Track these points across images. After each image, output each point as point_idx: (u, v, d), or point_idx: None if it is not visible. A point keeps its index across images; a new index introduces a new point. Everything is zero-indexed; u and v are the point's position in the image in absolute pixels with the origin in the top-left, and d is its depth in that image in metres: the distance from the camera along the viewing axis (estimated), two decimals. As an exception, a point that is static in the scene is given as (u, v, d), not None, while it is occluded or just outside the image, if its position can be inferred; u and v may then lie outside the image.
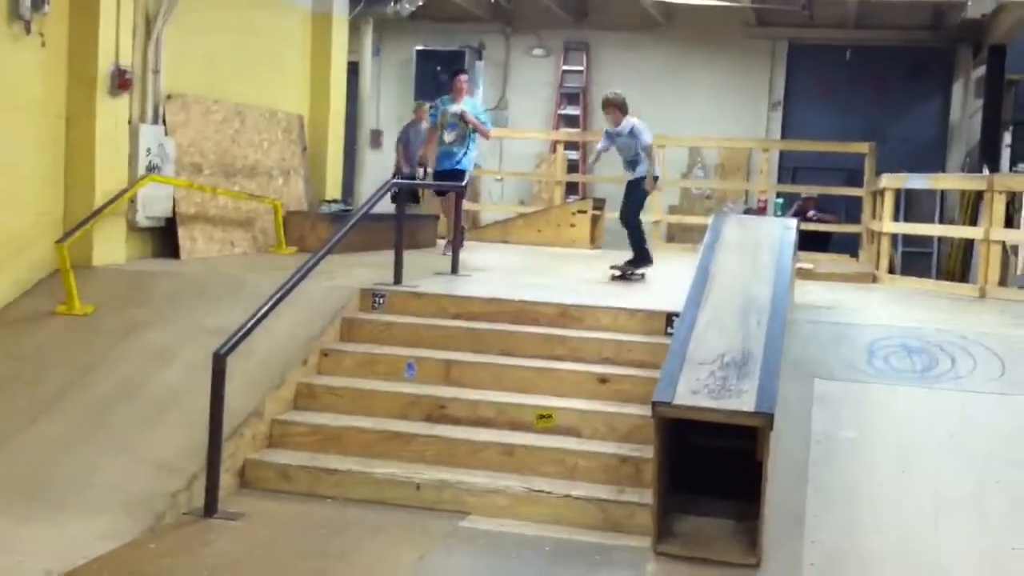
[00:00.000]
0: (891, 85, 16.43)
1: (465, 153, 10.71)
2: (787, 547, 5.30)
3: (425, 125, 12.96)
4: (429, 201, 12.73)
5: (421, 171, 11.48)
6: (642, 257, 9.37)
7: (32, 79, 8.03)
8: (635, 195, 9.43)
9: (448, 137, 10.67)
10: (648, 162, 9.25)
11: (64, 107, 8.37)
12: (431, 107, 11.27)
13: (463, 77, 10.84)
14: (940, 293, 9.75)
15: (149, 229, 9.34)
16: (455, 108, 10.64)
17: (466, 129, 10.62)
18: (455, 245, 9.29)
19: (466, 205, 12.06)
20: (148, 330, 7.36)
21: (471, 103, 10.95)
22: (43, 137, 8.19)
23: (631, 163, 9.39)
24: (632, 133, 9.29)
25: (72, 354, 7.13)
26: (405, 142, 13.61)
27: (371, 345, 7.26)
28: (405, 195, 11.79)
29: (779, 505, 5.45)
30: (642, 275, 9.25)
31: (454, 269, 9.04)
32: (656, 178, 9.36)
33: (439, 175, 10.77)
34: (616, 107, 9.38)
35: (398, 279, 8.05)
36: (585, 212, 13.31)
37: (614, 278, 9.16)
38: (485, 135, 10.91)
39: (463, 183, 10.56)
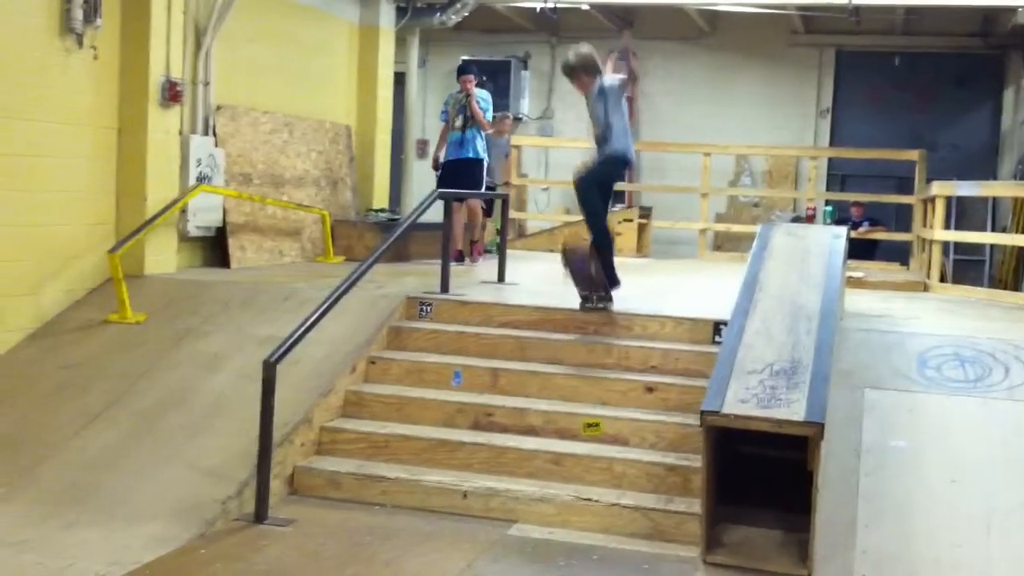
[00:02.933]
0: (940, 92, 16.26)
1: (475, 139, 10.54)
2: (838, 557, 5.24)
3: (507, 138, 12.89)
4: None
5: (436, 173, 11.14)
6: (604, 244, 7.36)
7: (84, 91, 8.16)
8: (599, 171, 7.35)
9: (458, 122, 10.54)
10: (613, 137, 7.16)
11: (116, 119, 8.49)
12: (442, 110, 11.03)
13: (468, 77, 10.62)
14: (992, 302, 9.62)
15: (200, 239, 9.46)
16: (461, 95, 10.57)
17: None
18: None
19: (512, 214, 11.96)
20: (198, 338, 7.45)
21: (479, 93, 10.68)
22: (95, 148, 8.31)
23: (602, 138, 7.28)
24: (601, 93, 7.21)
25: (123, 362, 7.23)
26: None
27: (418, 353, 7.29)
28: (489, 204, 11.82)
29: (829, 515, 5.39)
30: (606, 304, 7.41)
31: (500, 278, 9.05)
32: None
33: (451, 164, 10.57)
34: (582, 70, 7.27)
35: (445, 288, 8.06)
36: (631, 220, 13.30)
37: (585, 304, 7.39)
38: (483, 124, 10.60)
39: (483, 175, 10.49)
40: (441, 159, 10.81)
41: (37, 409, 6.79)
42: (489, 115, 10.68)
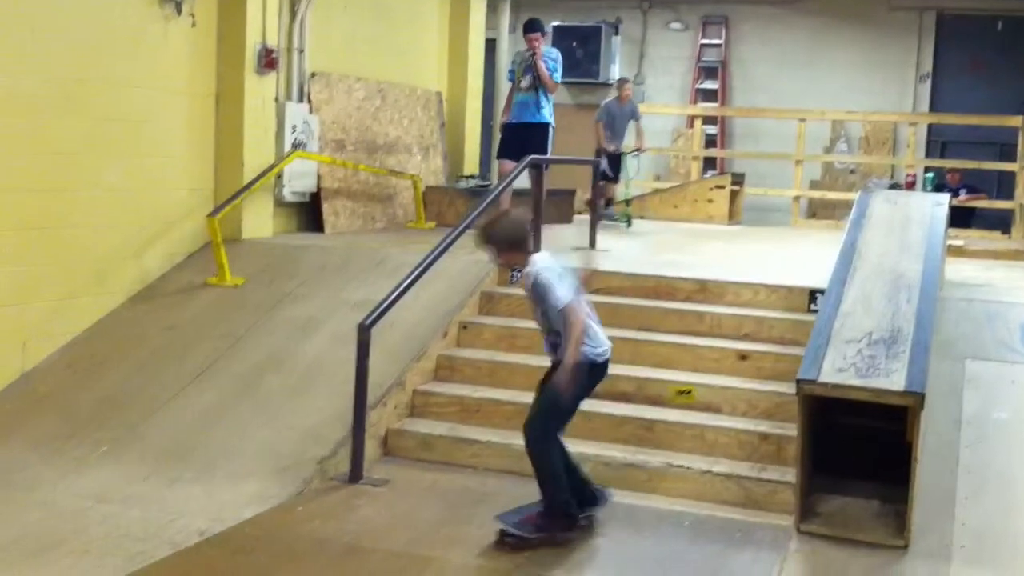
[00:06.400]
0: (1044, 57, 15.73)
1: (541, 102, 9.81)
2: (936, 529, 5.15)
3: (632, 104, 12.33)
4: (560, 174, 12.48)
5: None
6: (554, 511, 5.14)
7: (183, 59, 8.31)
8: (560, 403, 5.11)
9: (524, 82, 9.81)
10: (570, 340, 4.94)
11: (213, 86, 8.63)
12: (509, 68, 10.35)
13: (536, 34, 9.81)
14: (1100, 272, 9.31)
15: (294, 204, 9.59)
16: (528, 53, 9.80)
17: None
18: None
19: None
20: (294, 302, 7.57)
21: (548, 52, 9.95)
22: (194, 115, 8.47)
23: (558, 344, 5.10)
24: (537, 288, 5.08)
25: (223, 324, 7.38)
26: (607, 120, 12.19)
27: (509, 319, 7.31)
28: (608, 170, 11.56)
29: (928, 487, 5.29)
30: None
31: (592, 244, 9.02)
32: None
33: (514, 128, 9.84)
34: (506, 245, 5.19)
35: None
36: (723, 187, 13.16)
37: (505, 537, 5.10)
38: (548, 85, 9.73)
39: (548, 141, 9.76)
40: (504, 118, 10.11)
41: (140, 369, 6.98)
42: (558, 76, 9.92)
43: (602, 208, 10.91)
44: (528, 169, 8.34)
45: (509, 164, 9.40)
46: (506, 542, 5.07)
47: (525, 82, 9.82)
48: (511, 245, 5.17)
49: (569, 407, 5.18)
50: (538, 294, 5.08)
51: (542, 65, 9.70)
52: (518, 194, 9.53)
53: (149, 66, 7.96)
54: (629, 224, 11.49)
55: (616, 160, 11.90)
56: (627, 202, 11.93)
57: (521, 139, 9.59)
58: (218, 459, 6.00)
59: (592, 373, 5.12)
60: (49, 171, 7.16)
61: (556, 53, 10.10)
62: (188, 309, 7.67)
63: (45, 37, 7.08)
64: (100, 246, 7.60)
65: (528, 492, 5.69)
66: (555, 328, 5.10)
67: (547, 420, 5.18)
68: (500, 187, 8.07)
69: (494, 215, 5.63)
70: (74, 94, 7.32)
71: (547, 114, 9.86)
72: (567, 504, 5.16)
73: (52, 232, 7.22)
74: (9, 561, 4.81)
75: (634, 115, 12.24)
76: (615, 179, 11.98)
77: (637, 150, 12.16)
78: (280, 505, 5.52)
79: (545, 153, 9.65)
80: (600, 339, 5.16)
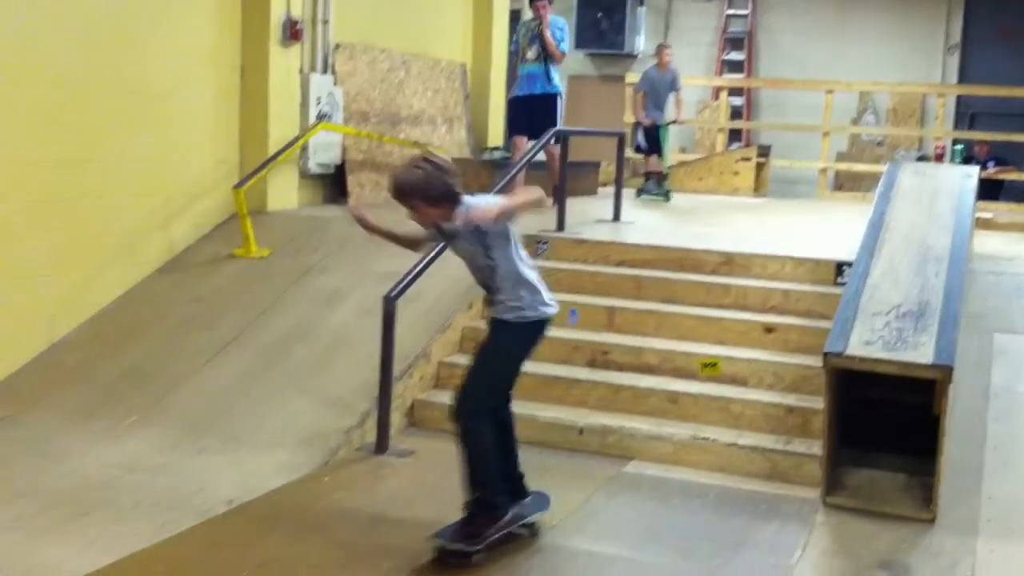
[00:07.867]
0: (1077, 26, 15.53)
1: (549, 72, 9.56)
2: (963, 502, 5.12)
3: (672, 72, 11.89)
4: (585, 145, 12.35)
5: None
6: (481, 504, 4.59)
7: (208, 31, 8.30)
8: (492, 369, 4.67)
9: (530, 53, 9.59)
10: (525, 295, 4.54)
11: (238, 58, 8.62)
12: (512, 39, 10.10)
13: (542, 3, 9.48)
14: None
15: (319, 176, 9.60)
16: (534, 23, 9.60)
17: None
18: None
19: (628, 153, 11.64)
20: (320, 273, 7.59)
21: (555, 20, 9.72)
22: (219, 88, 8.47)
23: (494, 291, 4.62)
24: (478, 240, 4.47)
25: (249, 296, 7.40)
26: (648, 90, 11.84)
27: (535, 291, 7.28)
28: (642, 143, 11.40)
29: (955, 460, 5.26)
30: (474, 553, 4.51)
31: (616, 216, 8.99)
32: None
33: (523, 101, 9.66)
34: (421, 197, 4.33)
35: (561, 226, 8.05)
36: (749, 160, 13.07)
37: (450, 557, 4.52)
38: (554, 55, 9.51)
39: (558, 111, 9.55)
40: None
41: (167, 340, 7.02)
42: (564, 46, 9.70)
43: (626, 181, 10.80)
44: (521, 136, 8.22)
45: (524, 140, 9.40)
46: (449, 561, 4.48)
47: (532, 53, 9.64)
48: (436, 199, 4.27)
49: (507, 374, 4.60)
50: (478, 240, 4.39)
51: (549, 35, 9.51)
52: (542, 166, 9.51)
53: (174, 38, 7.95)
54: (668, 198, 11.38)
55: (654, 132, 11.73)
56: (665, 176, 11.77)
57: (531, 112, 9.47)
58: (245, 429, 6.03)
59: (533, 331, 4.58)
60: (75, 143, 7.18)
61: (563, 22, 9.91)
62: (214, 281, 7.69)
63: (71, 10, 7.09)
64: (127, 218, 7.63)
65: (550, 463, 5.72)
66: (481, 277, 4.56)
67: (480, 391, 4.55)
68: (520, 163, 8.05)
69: (406, 171, 4.42)
70: (100, 66, 7.32)
71: (556, 83, 9.69)
72: (493, 494, 4.55)
73: (79, 204, 7.24)
74: (40, 529, 4.85)
75: (674, 85, 11.83)
76: (650, 152, 11.77)
77: (674, 122, 11.97)
78: (307, 475, 5.55)
79: (556, 124, 9.38)
80: (544, 296, 4.57)
